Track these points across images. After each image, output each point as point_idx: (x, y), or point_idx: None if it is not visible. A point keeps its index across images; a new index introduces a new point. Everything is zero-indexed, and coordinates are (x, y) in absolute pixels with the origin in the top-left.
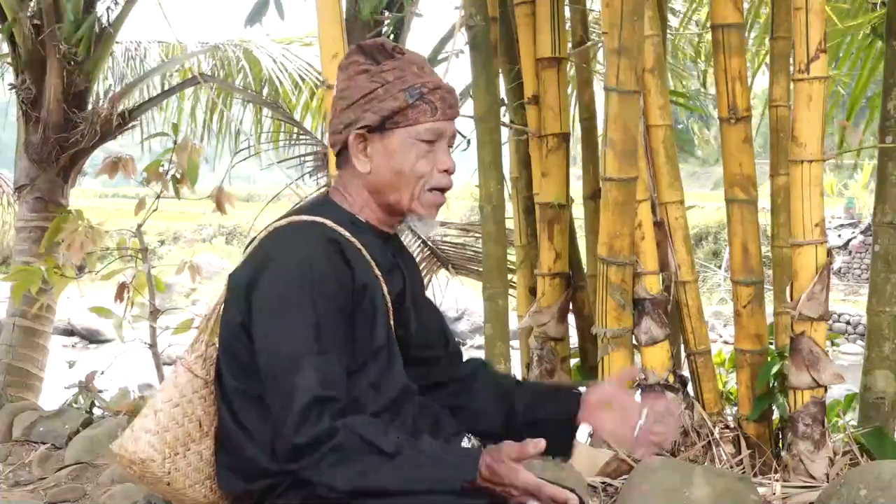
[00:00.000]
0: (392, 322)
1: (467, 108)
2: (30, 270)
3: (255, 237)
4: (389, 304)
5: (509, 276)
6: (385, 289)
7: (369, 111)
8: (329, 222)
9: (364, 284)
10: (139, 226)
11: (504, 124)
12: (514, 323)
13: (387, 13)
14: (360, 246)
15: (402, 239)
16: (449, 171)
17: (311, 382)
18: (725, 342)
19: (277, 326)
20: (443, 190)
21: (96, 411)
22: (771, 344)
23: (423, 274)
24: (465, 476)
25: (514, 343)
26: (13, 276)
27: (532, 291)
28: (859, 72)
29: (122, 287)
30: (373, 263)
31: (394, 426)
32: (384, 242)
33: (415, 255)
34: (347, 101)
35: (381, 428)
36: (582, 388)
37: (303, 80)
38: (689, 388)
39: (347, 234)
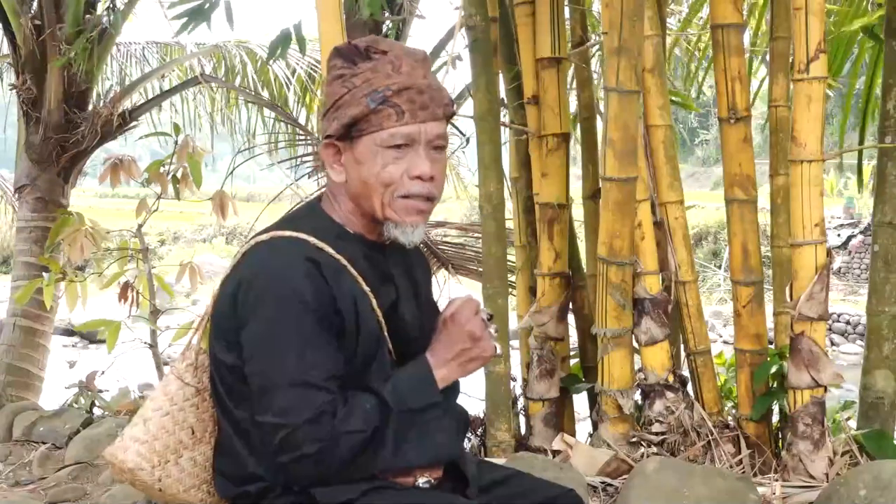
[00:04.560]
0: (386, 334)
1: (467, 108)
2: (38, 282)
3: (240, 250)
4: (381, 318)
5: (509, 276)
6: (374, 303)
7: (336, 119)
8: (311, 239)
9: (344, 305)
10: (140, 226)
11: (504, 124)
12: (514, 323)
13: (387, 13)
14: (344, 262)
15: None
16: (422, 178)
17: (291, 406)
18: (725, 342)
19: (260, 351)
20: (419, 197)
21: (96, 411)
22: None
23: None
24: (433, 394)
25: (514, 343)
26: (24, 293)
27: (532, 291)
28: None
29: (126, 287)
30: (359, 279)
31: (355, 398)
32: (377, 253)
33: None
34: (324, 108)
35: (349, 415)
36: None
37: (311, 79)
38: (689, 388)
39: (330, 249)
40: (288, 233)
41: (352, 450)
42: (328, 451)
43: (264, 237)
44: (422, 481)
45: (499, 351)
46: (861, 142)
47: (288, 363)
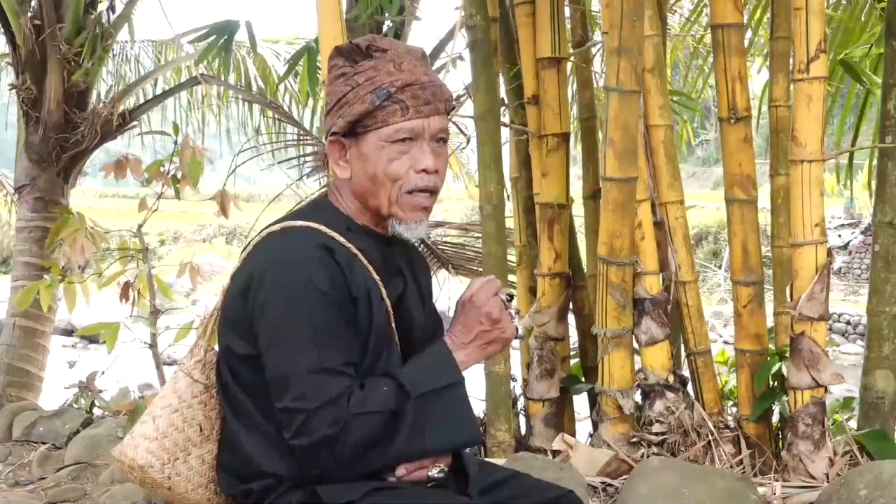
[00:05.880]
0: (394, 326)
1: (467, 108)
2: (38, 285)
3: (250, 241)
4: (390, 308)
5: (509, 276)
6: (384, 292)
7: (341, 117)
8: (323, 228)
9: (358, 293)
10: (139, 226)
11: (504, 124)
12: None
13: (387, 13)
14: (355, 251)
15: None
16: (427, 171)
17: (309, 391)
18: (725, 342)
19: (277, 339)
20: (424, 191)
21: (96, 411)
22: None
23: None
24: (452, 376)
25: (515, 343)
26: (24, 297)
27: (532, 291)
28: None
29: (127, 287)
30: (370, 268)
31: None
32: (384, 245)
33: None
34: (328, 107)
35: (365, 398)
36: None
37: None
38: (689, 388)
39: (342, 239)
40: (300, 223)
41: (367, 434)
42: (343, 435)
43: (276, 228)
44: (435, 471)
45: (520, 332)
46: (854, 142)
47: (305, 350)
